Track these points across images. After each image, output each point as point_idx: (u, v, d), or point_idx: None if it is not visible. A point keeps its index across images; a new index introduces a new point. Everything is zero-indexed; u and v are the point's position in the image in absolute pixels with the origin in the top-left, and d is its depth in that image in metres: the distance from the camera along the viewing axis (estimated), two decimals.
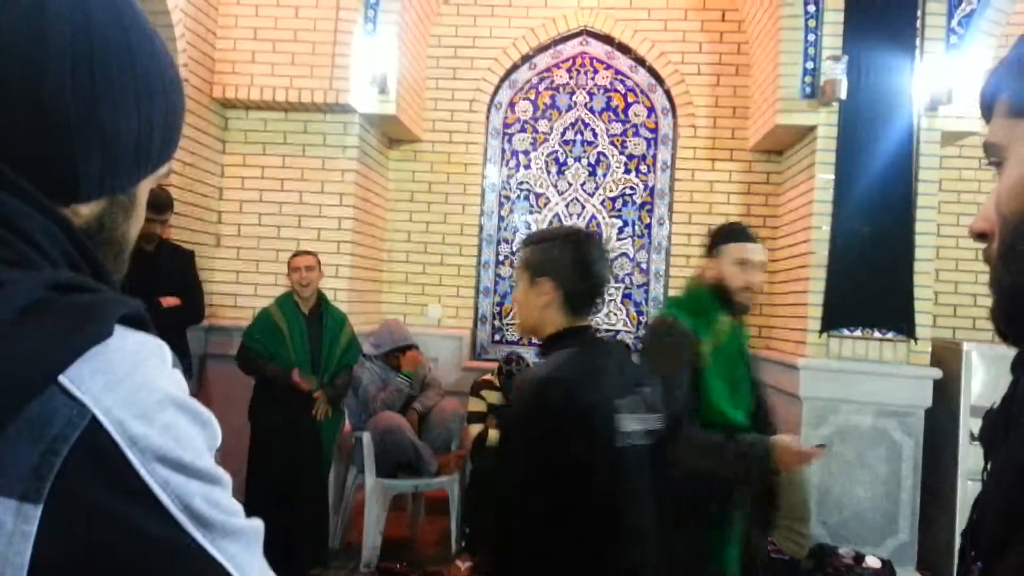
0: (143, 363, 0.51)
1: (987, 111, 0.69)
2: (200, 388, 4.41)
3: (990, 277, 0.67)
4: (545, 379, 1.65)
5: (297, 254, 3.91)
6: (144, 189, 0.64)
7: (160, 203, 3.64)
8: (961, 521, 3.98)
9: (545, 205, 5.21)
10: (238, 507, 0.55)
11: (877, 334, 4.05)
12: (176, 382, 0.53)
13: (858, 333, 4.07)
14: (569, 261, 1.71)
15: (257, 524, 0.56)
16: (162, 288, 3.60)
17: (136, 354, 0.51)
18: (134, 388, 0.49)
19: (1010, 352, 0.66)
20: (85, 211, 0.59)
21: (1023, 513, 0.54)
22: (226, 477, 0.54)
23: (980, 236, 0.68)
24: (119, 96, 0.57)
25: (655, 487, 1.76)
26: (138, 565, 0.46)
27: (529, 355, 4.88)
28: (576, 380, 1.62)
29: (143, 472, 0.47)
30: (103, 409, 0.47)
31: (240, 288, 4.54)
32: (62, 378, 0.46)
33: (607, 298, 5.12)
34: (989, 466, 0.70)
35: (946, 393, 4.04)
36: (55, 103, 0.54)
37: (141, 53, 0.59)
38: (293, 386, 3.71)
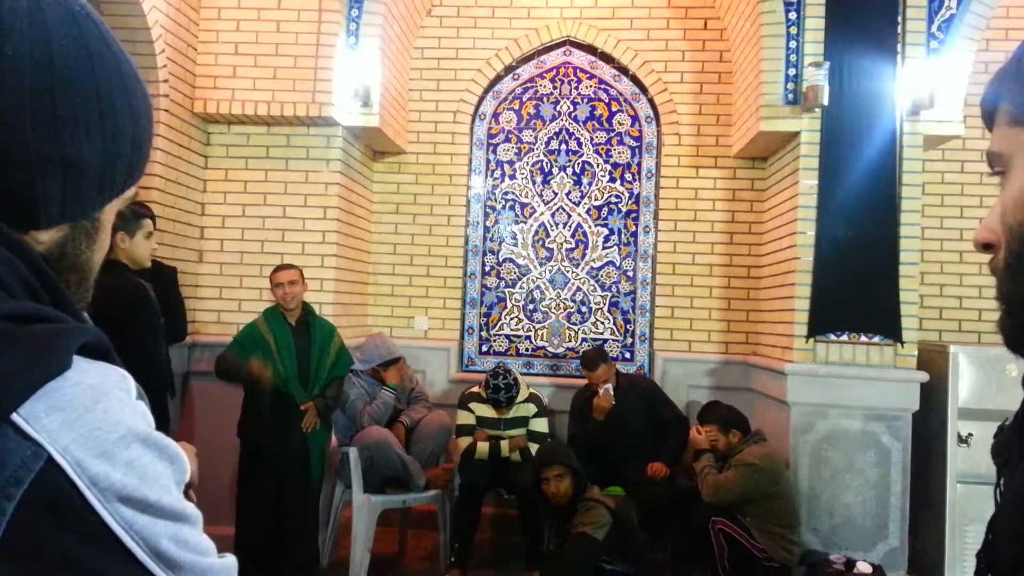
0: (104, 397, 0.49)
1: (989, 119, 0.67)
2: (184, 407, 4.36)
3: (997, 289, 0.65)
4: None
5: (279, 268, 3.86)
6: (109, 213, 0.62)
7: None
8: (951, 525, 3.98)
9: (531, 215, 5.20)
10: (209, 545, 0.53)
11: (864, 338, 4.05)
12: (141, 415, 0.51)
13: (845, 338, 4.07)
14: None
15: (230, 562, 0.54)
16: None
17: (96, 387, 0.49)
18: (94, 424, 0.47)
19: (998, 354, 0.64)
20: (46, 237, 0.56)
21: None
22: (196, 513, 0.52)
23: (986, 247, 0.66)
24: (83, 122, 0.55)
25: None
26: None
27: (517, 366, 4.86)
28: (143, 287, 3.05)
29: (105, 514, 0.45)
30: (60, 448, 0.45)
31: (224, 304, 4.49)
32: (15, 416, 0.44)
33: (594, 307, 5.11)
34: (1003, 484, 0.68)
35: (933, 396, 4.04)
36: (14, 131, 0.52)
37: (106, 78, 0.57)
38: (257, 380, 3.58)
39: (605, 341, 5.07)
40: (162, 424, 3.56)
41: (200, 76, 4.44)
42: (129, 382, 0.52)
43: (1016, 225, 0.62)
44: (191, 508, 0.52)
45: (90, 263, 0.61)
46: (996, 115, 0.66)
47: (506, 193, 5.23)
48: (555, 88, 5.23)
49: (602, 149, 5.18)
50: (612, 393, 4.28)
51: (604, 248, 5.14)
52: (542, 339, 5.16)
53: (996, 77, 0.66)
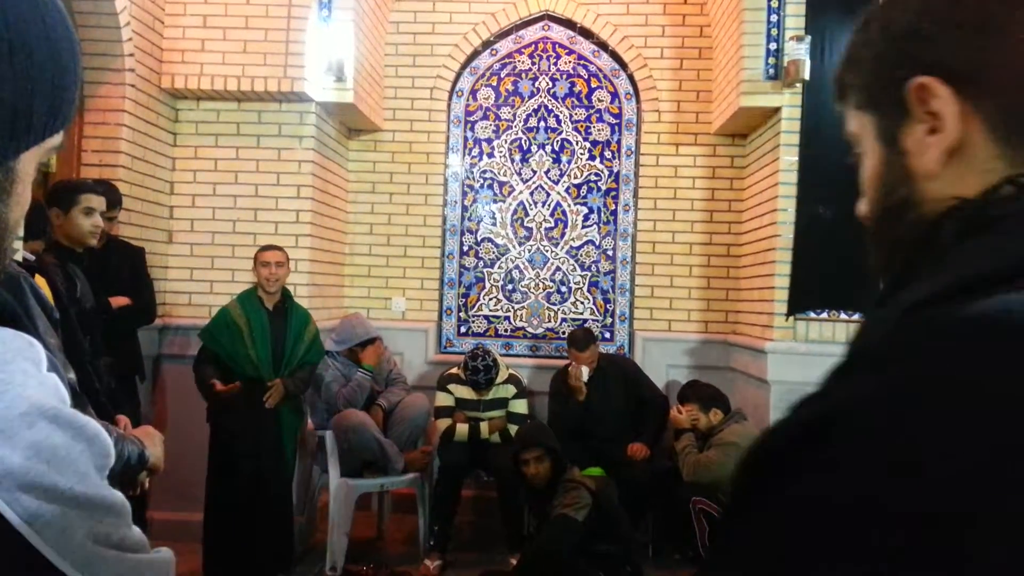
0: (4, 366, 0.42)
1: (842, 100, 0.67)
2: (154, 390, 4.27)
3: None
4: None
5: (266, 248, 3.78)
6: (27, 163, 0.54)
7: (109, 199, 3.49)
8: None
9: (509, 193, 5.12)
10: (139, 539, 0.46)
11: (844, 316, 4.03)
12: (52, 389, 0.44)
13: (825, 315, 4.05)
14: None
15: (163, 557, 0.47)
16: (112, 287, 3.46)
17: None
18: None
19: None
20: None
21: None
22: (122, 503, 0.45)
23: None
24: None
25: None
26: None
27: (496, 347, 4.81)
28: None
29: (1, 504, 0.39)
30: None
31: (194, 286, 4.38)
32: None
33: (574, 287, 5.06)
34: None
35: None
36: None
37: (16, 5, 0.49)
38: (225, 393, 3.53)
39: (585, 321, 5.02)
40: (132, 408, 3.46)
41: (167, 50, 4.30)
42: (37, 351, 0.45)
43: (870, 203, 0.64)
44: (115, 497, 0.45)
45: (4, 220, 0.53)
46: (846, 96, 0.65)
47: (484, 172, 5.14)
48: (533, 64, 5.14)
49: (581, 126, 5.10)
50: (582, 369, 4.26)
51: (583, 227, 5.08)
52: (521, 319, 5.10)
53: (843, 57, 0.65)
